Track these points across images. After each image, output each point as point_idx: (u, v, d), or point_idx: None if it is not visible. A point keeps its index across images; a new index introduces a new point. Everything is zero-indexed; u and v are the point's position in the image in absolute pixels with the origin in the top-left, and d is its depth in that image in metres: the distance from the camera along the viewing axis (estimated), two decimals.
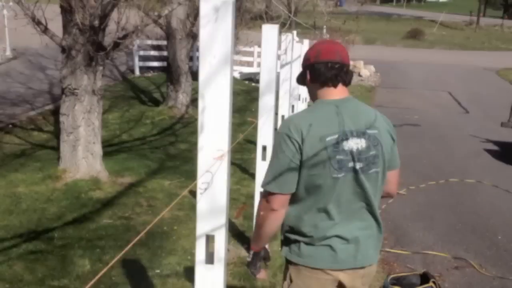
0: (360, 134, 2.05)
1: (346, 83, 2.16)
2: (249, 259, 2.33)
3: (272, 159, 2.09)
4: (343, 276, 2.10)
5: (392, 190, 2.27)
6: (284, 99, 6.11)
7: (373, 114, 2.14)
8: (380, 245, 2.23)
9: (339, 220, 2.07)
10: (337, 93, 2.13)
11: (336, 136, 2.01)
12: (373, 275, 2.24)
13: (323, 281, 2.10)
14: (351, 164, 2.03)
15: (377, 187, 2.12)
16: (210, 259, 2.19)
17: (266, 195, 2.08)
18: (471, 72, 23.38)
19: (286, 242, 2.20)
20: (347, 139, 2.02)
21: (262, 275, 2.34)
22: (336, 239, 2.08)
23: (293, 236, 2.15)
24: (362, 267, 2.13)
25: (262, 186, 2.09)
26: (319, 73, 2.13)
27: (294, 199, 2.10)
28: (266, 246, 2.34)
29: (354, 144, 2.03)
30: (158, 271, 4.03)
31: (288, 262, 2.18)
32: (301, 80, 2.26)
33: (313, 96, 2.21)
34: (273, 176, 2.04)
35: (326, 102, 2.12)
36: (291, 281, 2.17)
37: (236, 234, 4.87)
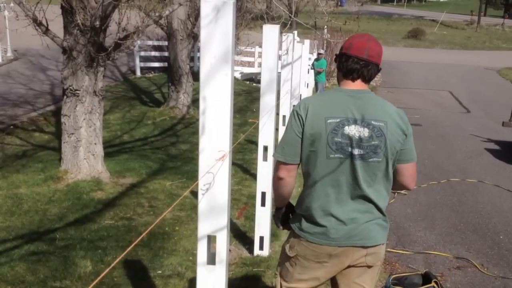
0: (364, 124, 2.17)
1: (366, 79, 2.29)
2: (273, 213, 2.57)
3: (284, 132, 2.31)
4: (339, 252, 2.25)
5: (407, 182, 2.34)
6: (285, 99, 6.11)
7: (386, 108, 2.24)
8: (385, 229, 2.32)
9: (337, 201, 2.22)
10: (354, 86, 2.28)
11: (338, 120, 2.17)
12: (381, 254, 2.34)
13: (318, 253, 2.27)
14: (349, 149, 2.17)
15: (377, 176, 2.22)
16: (211, 259, 2.19)
17: (276, 164, 2.32)
18: (472, 71, 23.38)
19: (294, 216, 2.41)
20: (348, 125, 2.17)
21: (288, 227, 2.49)
22: (333, 219, 2.23)
23: (299, 210, 2.36)
24: (364, 247, 2.24)
25: (273, 156, 2.36)
26: (344, 65, 2.29)
27: (304, 175, 2.31)
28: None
29: (356, 131, 2.16)
30: (159, 271, 4.03)
31: (293, 233, 2.38)
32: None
33: (338, 81, 2.38)
34: (281, 147, 2.28)
35: (340, 90, 2.30)
36: (290, 247, 2.38)
37: (238, 234, 4.87)
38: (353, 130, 2.16)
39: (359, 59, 2.24)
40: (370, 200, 2.22)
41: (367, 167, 2.18)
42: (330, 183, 2.20)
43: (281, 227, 2.55)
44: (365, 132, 2.16)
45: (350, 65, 2.26)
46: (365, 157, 2.17)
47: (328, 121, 2.17)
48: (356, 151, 2.16)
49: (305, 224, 2.29)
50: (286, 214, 2.51)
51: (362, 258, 2.27)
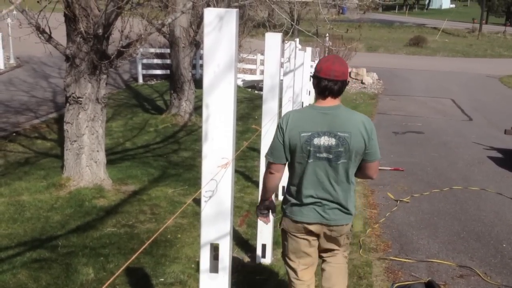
0: (332, 135, 2.77)
1: (335, 95, 2.82)
2: (257, 205, 3.21)
3: (272, 140, 2.93)
4: (312, 227, 2.92)
5: (371, 174, 3.00)
6: (287, 107, 6.11)
7: (352, 120, 2.79)
8: (345, 213, 2.91)
9: (312, 192, 2.86)
10: (326, 103, 2.83)
11: (310, 133, 2.77)
12: (343, 232, 2.97)
13: (298, 227, 2.97)
14: (319, 155, 2.78)
15: (342, 173, 2.83)
16: (214, 267, 2.19)
17: (267, 163, 2.95)
18: (474, 79, 23.38)
19: (283, 201, 3.07)
20: (318, 137, 2.77)
21: (265, 219, 3.17)
22: (307, 203, 2.88)
23: (286, 197, 3.02)
24: (329, 225, 2.91)
25: (265, 156, 3.02)
26: (315, 85, 2.85)
27: (289, 172, 2.95)
28: (273, 199, 3.23)
29: (325, 141, 2.77)
30: (162, 279, 4.02)
31: (283, 214, 3.05)
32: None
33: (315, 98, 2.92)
34: (270, 150, 2.91)
35: (313, 107, 2.88)
36: (280, 223, 3.09)
37: (240, 242, 4.86)
38: (322, 141, 2.76)
39: (328, 80, 2.78)
40: (335, 191, 2.85)
41: (335, 167, 2.80)
42: (307, 179, 2.83)
43: (260, 218, 3.16)
44: (332, 142, 2.76)
45: (321, 85, 2.80)
46: (333, 160, 2.79)
47: (301, 134, 2.77)
48: (325, 156, 2.78)
49: (287, 204, 2.99)
50: (268, 208, 3.13)
51: (328, 232, 2.94)
